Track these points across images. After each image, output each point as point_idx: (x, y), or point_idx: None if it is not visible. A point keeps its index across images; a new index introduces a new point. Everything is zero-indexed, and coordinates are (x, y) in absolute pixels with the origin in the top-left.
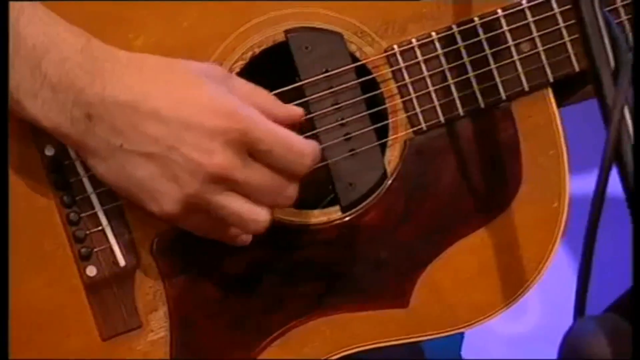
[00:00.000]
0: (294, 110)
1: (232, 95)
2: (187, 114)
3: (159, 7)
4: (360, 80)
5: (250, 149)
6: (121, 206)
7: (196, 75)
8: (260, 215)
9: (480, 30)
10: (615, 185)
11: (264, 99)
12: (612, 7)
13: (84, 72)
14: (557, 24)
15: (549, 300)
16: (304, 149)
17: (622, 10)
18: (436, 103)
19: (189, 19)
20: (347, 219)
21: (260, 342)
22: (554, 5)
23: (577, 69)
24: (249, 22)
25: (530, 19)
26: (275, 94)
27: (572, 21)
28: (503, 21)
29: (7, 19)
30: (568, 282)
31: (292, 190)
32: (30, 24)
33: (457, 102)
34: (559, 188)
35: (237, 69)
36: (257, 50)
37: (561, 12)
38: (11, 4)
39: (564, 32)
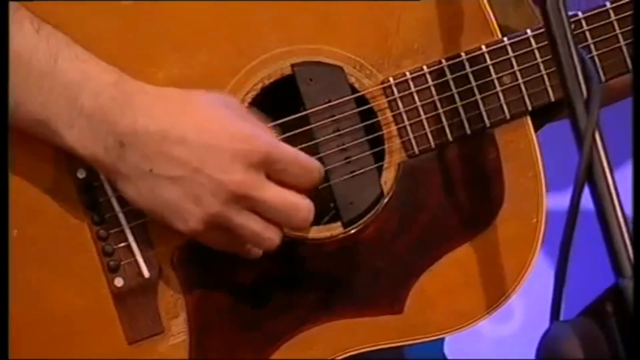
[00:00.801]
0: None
1: (248, 121)
2: (211, 139)
3: (175, 44)
4: (359, 109)
5: (268, 169)
6: (145, 223)
7: (216, 105)
8: (274, 234)
9: (466, 65)
10: (587, 200)
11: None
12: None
13: (117, 105)
14: (535, 59)
15: (532, 305)
16: (312, 166)
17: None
18: (427, 130)
19: (203, 55)
20: (347, 234)
21: (270, 345)
22: (532, 42)
23: (552, 99)
24: (258, 58)
25: (511, 54)
26: (282, 122)
27: (549, 56)
28: (487, 56)
29: (7, 19)
30: (550, 289)
31: (307, 211)
32: (67, 61)
33: (447, 129)
34: (537, 205)
35: (249, 99)
36: (266, 82)
37: (538, 48)
38: (49, 41)
39: (542, 66)
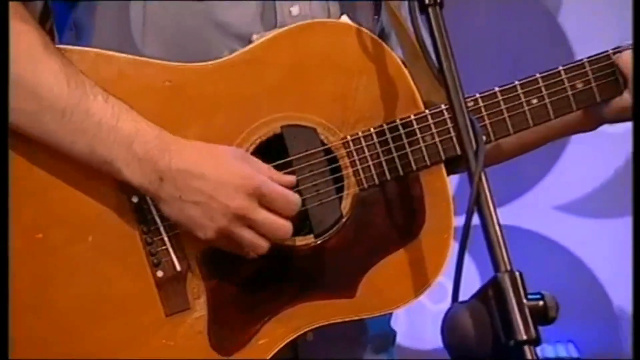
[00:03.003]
0: (287, 179)
1: (248, 165)
2: (221, 176)
3: (199, 112)
4: (326, 157)
5: (261, 199)
6: (178, 234)
7: (227, 154)
8: (263, 243)
9: (400, 128)
10: (477, 219)
11: (269, 171)
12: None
13: (158, 151)
14: (447, 125)
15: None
16: (293, 200)
17: (483, 110)
18: (373, 172)
19: (218, 120)
20: (318, 242)
21: (263, 319)
22: (445, 113)
23: (459, 152)
24: (257, 121)
25: (431, 121)
26: (273, 166)
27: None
28: (414, 122)
29: (7, 18)
30: (471, 279)
31: (286, 229)
32: (126, 122)
33: (386, 171)
34: (448, 225)
35: (251, 150)
36: (263, 138)
37: (449, 117)
38: (114, 108)
39: (451, 129)
